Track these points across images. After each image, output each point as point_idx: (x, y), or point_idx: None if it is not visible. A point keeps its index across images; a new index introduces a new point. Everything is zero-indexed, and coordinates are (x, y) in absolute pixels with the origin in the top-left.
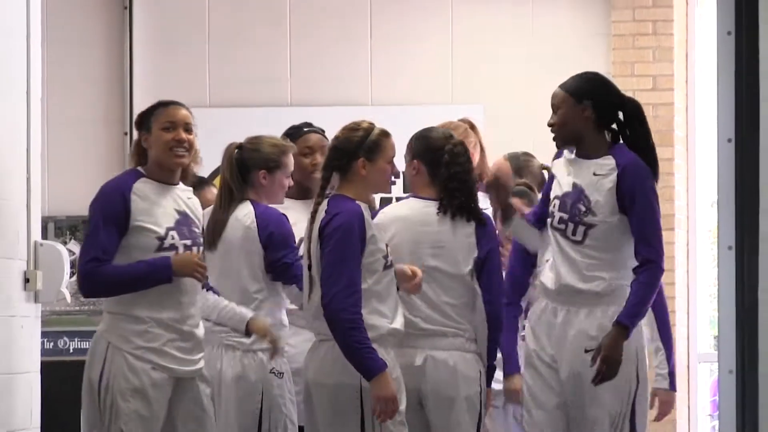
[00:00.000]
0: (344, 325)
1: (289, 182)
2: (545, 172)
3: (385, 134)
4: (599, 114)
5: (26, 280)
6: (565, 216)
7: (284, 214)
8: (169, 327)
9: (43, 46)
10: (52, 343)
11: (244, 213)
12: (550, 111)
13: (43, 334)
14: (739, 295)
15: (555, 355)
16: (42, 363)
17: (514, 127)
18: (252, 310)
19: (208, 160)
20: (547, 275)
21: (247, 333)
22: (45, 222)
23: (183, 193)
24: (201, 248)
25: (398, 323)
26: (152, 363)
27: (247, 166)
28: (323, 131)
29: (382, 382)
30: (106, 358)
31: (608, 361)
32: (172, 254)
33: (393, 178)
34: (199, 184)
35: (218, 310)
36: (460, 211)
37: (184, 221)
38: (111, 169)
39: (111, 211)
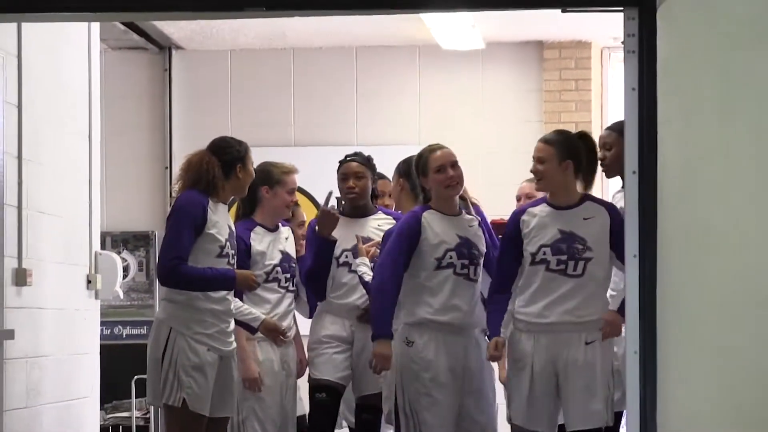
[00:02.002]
0: None
1: (293, 199)
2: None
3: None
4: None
5: (88, 282)
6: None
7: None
8: (217, 316)
9: (102, 100)
10: (109, 330)
11: None
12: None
13: (102, 323)
14: (642, 291)
15: None
16: (101, 346)
17: (468, 163)
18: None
19: None
20: None
21: (255, 331)
22: (103, 236)
23: (226, 210)
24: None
25: (446, 317)
26: (208, 345)
27: (255, 183)
28: (366, 159)
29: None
30: (169, 341)
31: None
32: (224, 263)
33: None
34: None
35: (235, 308)
36: None
37: (232, 234)
38: (154, 196)
39: (194, 218)
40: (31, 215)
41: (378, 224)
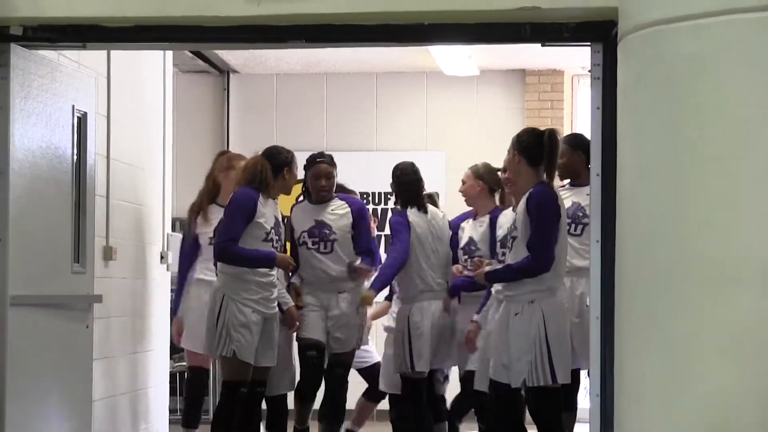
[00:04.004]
0: None
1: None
2: None
3: None
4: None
5: (161, 257)
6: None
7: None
8: (262, 286)
9: (174, 113)
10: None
11: None
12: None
13: (171, 290)
14: (603, 269)
15: None
16: (170, 308)
17: (465, 167)
18: None
19: None
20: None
21: (281, 311)
22: (174, 221)
23: (274, 204)
24: (282, 239)
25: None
26: (252, 308)
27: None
28: (331, 159)
29: None
30: (222, 304)
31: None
32: (269, 246)
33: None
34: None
35: (278, 290)
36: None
37: (277, 223)
38: None
39: (246, 209)
40: (117, 204)
41: (331, 209)
